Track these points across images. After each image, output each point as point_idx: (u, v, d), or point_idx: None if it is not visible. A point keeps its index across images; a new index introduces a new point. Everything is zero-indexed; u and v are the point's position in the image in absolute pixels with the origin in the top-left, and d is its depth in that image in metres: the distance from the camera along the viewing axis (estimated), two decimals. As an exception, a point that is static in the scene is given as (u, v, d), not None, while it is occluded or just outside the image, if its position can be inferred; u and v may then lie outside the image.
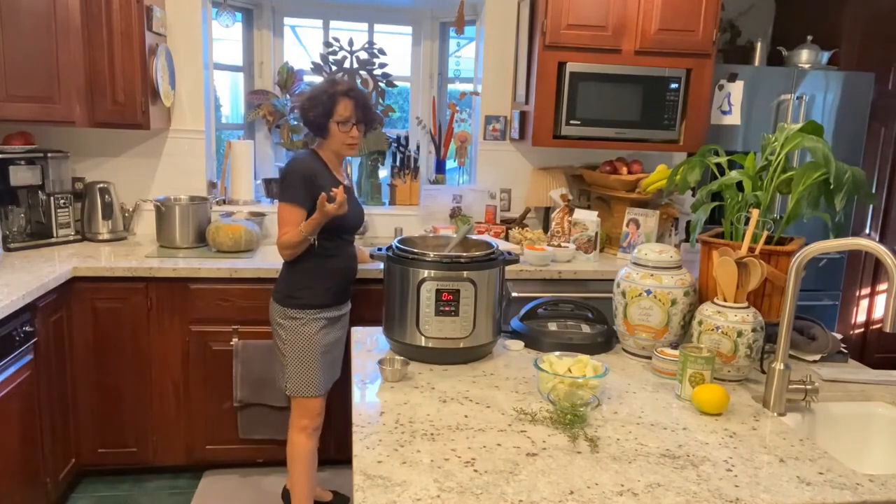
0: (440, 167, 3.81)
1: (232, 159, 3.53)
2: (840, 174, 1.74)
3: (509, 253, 1.98)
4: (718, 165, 1.97)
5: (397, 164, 3.70)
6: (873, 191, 3.85)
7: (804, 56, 3.62)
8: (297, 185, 2.34)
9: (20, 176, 2.98)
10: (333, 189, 2.23)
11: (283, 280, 2.47)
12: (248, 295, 2.85)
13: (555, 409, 1.55)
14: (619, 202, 3.39)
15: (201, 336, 2.87)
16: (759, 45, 3.70)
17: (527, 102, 3.37)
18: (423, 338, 1.82)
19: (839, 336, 2.07)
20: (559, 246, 3.21)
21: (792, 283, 1.57)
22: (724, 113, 3.54)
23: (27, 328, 2.37)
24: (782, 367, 1.61)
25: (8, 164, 2.93)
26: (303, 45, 3.88)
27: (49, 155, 3.06)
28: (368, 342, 2.00)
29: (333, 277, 2.46)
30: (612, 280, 1.97)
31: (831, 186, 1.76)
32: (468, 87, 3.88)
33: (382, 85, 3.70)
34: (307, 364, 2.44)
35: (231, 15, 3.55)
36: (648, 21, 3.18)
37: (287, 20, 3.77)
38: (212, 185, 3.53)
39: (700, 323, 1.78)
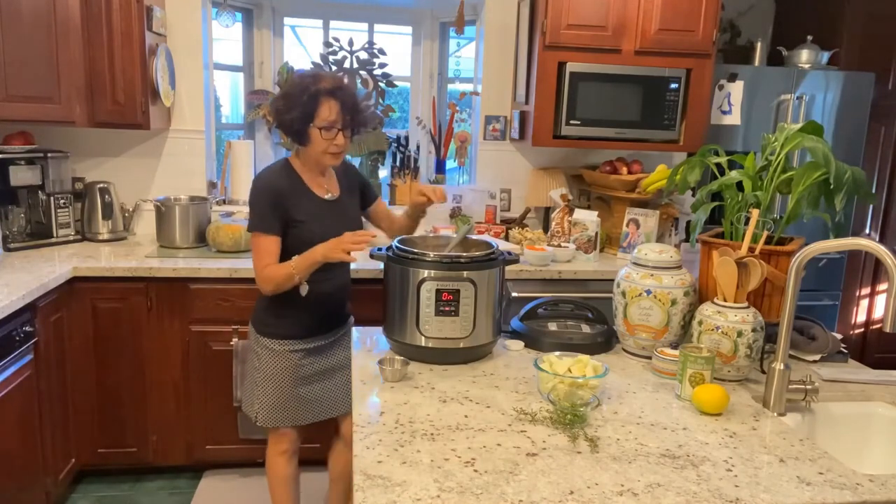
0: (440, 167, 3.81)
1: (232, 159, 3.53)
2: (840, 174, 1.74)
3: (509, 253, 1.98)
4: (718, 165, 1.97)
5: (397, 164, 3.70)
6: (873, 191, 3.85)
7: (804, 56, 3.62)
8: (262, 210, 2.06)
9: (20, 176, 2.98)
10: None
11: (258, 303, 2.22)
12: (248, 295, 2.84)
13: (555, 409, 1.55)
14: (619, 202, 3.39)
15: (201, 336, 2.87)
16: (759, 45, 3.70)
17: (527, 102, 3.37)
18: (423, 338, 1.82)
19: (839, 336, 2.07)
20: (559, 246, 3.21)
21: (792, 283, 1.57)
22: (724, 113, 3.54)
23: (27, 328, 2.37)
24: (782, 367, 1.61)
25: (8, 164, 2.93)
26: (303, 45, 3.88)
27: (49, 155, 3.06)
28: (368, 342, 2.00)
29: (315, 306, 2.15)
30: (612, 280, 1.97)
31: (831, 186, 1.76)
32: (468, 87, 3.88)
33: (382, 85, 3.70)
34: (280, 396, 2.20)
35: (231, 15, 3.55)
36: (648, 21, 3.18)
37: (287, 20, 3.77)
38: (212, 185, 3.53)
39: (700, 323, 1.78)
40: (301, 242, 2.05)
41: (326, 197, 2.17)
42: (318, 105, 2.01)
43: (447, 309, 1.79)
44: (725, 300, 1.76)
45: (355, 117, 2.10)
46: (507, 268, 2.08)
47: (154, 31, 3.08)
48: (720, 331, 1.73)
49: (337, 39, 3.67)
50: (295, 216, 2.08)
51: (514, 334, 2.05)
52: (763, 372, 1.77)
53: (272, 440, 2.32)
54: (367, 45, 3.71)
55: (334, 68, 3.68)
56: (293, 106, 2.02)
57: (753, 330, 1.72)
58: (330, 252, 1.95)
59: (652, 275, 1.85)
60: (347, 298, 2.33)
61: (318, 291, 2.13)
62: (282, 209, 2.06)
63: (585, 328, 2.04)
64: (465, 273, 1.81)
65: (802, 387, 1.65)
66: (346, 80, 2.14)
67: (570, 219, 3.31)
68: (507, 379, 1.75)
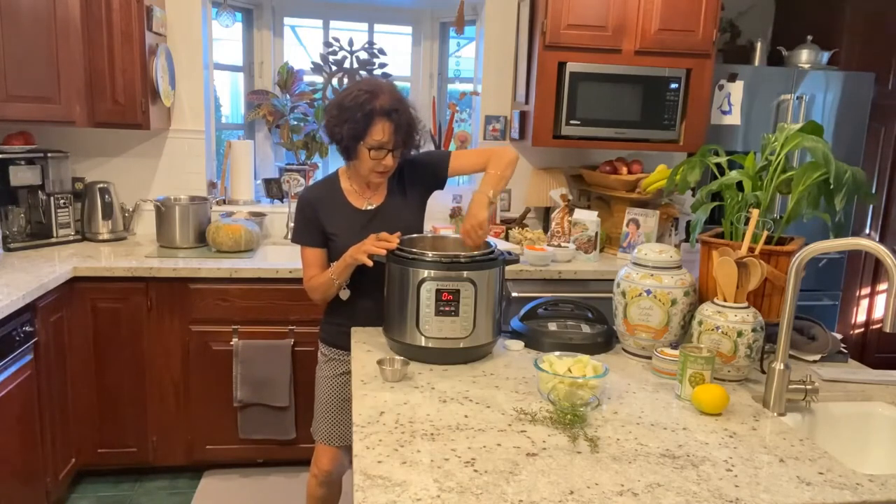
0: (440, 167, 3.80)
1: (232, 159, 3.53)
2: (840, 174, 1.74)
3: (509, 253, 1.98)
4: (718, 165, 1.97)
5: (397, 164, 3.69)
6: (873, 191, 3.85)
7: (804, 56, 3.62)
8: (298, 222, 2.09)
9: (20, 176, 2.98)
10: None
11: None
12: (248, 295, 2.85)
13: (555, 409, 1.55)
14: (619, 202, 3.39)
15: (201, 336, 2.87)
16: (759, 45, 3.70)
17: (527, 102, 3.37)
18: (423, 338, 1.82)
19: (839, 336, 2.07)
20: (559, 246, 3.21)
21: (792, 283, 1.57)
22: (724, 113, 3.54)
23: (27, 328, 2.37)
24: (782, 367, 1.61)
25: (8, 164, 2.93)
26: (303, 45, 3.88)
27: (49, 155, 3.06)
28: (368, 342, 1.99)
29: (365, 314, 2.09)
30: (612, 280, 1.97)
31: (831, 186, 1.76)
32: (468, 87, 3.88)
33: (382, 85, 3.69)
34: (319, 407, 2.19)
35: (231, 15, 3.55)
36: (648, 21, 3.18)
37: (287, 20, 3.77)
38: (212, 185, 3.53)
39: (700, 323, 1.78)
40: (338, 255, 2.03)
41: (365, 207, 2.10)
42: (371, 124, 1.93)
43: (447, 309, 1.79)
44: (725, 300, 1.76)
45: (407, 140, 2.02)
46: (507, 268, 2.07)
47: (154, 31, 3.08)
48: (720, 331, 1.73)
49: (337, 39, 3.67)
50: (328, 229, 2.06)
51: (514, 334, 2.05)
52: (763, 372, 1.77)
53: (313, 456, 2.25)
54: (367, 45, 3.71)
55: (334, 68, 3.68)
56: (345, 119, 1.94)
57: (753, 330, 1.72)
58: (355, 253, 1.92)
59: (652, 275, 1.85)
60: None
61: (369, 297, 2.06)
62: (316, 221, 2.06)
63: (585, 328, 2.04)
64: (465, 273, 1.81)
65: (802, 387, 1.65)
66: (402, 99, 2.01)
67: (570, 219, 3.31)
68: (507, 379, 1.75)
